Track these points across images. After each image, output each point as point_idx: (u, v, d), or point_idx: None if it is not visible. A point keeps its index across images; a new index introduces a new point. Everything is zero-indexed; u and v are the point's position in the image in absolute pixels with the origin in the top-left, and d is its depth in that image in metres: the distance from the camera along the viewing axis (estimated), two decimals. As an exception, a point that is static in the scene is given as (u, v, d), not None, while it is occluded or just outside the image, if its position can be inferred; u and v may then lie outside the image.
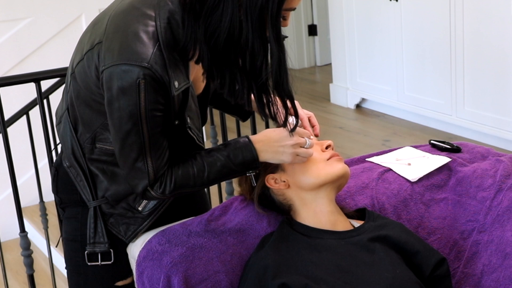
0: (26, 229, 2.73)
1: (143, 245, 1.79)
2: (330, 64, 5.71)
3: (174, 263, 1.72)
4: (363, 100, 5.37)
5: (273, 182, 1.81)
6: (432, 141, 2.18)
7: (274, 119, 1.73)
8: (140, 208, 1.83)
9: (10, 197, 3.40)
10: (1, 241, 3.60)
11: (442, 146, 2.13)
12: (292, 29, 6.58)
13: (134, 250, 1.81)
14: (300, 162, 1.75)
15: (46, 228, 3.35)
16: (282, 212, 1.83)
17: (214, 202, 3.33)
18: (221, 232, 1.81)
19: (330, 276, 1.64)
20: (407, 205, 1.96)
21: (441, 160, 2.05)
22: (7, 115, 2.82)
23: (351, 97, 5.39)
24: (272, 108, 1.71)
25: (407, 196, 1.97)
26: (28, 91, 3.30)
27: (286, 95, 1.71)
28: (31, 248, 2.75)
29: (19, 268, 3.80)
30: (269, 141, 1.74)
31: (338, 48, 5.41)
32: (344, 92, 5.45)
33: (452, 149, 2.12)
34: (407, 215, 1.95)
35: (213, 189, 3.36)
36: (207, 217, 1.85)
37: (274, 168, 1.81)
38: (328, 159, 1.78)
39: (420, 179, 2.01)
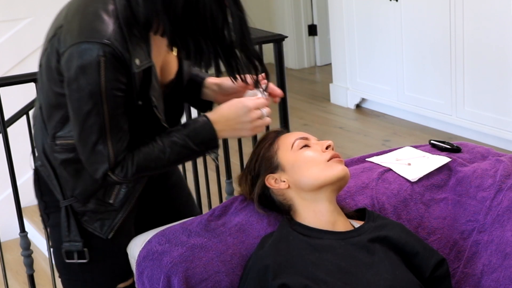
0: (26, 229, 2.73)
1: (143, 245, 1.79)
2: (330, 64, 5.70)
3: (174, 263, 1.72)
4: (363, 100, 5.37)
5: (273, 182, 1.81)
6: (432, 141, 2.18)
7: (245, 81, 1.76)
8: (111, 201, 1.81)
9: (10, 197, 3.39)
10: (1, 241, 3.59)
11: (442, 146, 2.13)
12: (292, 29, 6.58)
13: (134, 250, 1.81)
14: (259, 132, 1.77)
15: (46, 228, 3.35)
16: (282, 212, 1.83)
17: (214, 202, 3.34)
18: (221, 232, 1.81)
19: (330, 277, 1.64)
20: (407, 205, 1.96)
21: (441, 160, 2.05)
22: (7, 115, 2.81)
23: (351, 97, 5.39)
24: (242, 72, 1.72)
25: (407, 196, 1.97)
26: (28, 91, 3.30)
27: (253, 55, 1.71)
28: (31, 248, 2.75)
29: (19, 268, 3.79)
30: (226, 121, 1.75)
31: (338, 48, 5.41)
32: (344, 92, 5.45)
33: (452, 149, 2.12)
34: (407, 215, 1.95)
35: (213, 189, 3.36)
36: (207, 217, 1.85)
37: (274, 168, 1.81)
38: (328, 160, 1.78)
39: (420, 179, 2.01)
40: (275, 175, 1.81)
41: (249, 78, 1.80)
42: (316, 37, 6.69)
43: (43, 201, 1.89)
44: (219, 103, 1.88)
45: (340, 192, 1.91)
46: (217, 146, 1.76)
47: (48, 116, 1.75)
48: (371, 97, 5.22)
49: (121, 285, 1.92)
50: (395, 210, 1.95)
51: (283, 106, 2.88)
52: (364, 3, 5.04)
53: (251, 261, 1.72)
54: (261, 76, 1.83)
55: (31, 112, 3.25)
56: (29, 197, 4.40)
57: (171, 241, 1.77)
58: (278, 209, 1.83)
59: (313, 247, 1.71)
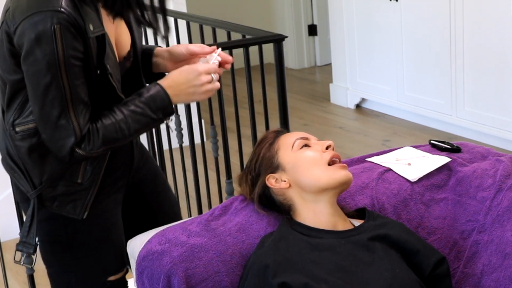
0: (26, 229, 2.73)
1: (143, 245, 1.79)
2: (330, 64, 5.71)
3: (174, 263, 1.72)
4: (363, 100, 5.37)
5: (273, 181, 1.81)
6: (432, 141, 2.18)
7: (151, 25, 1.78)
8: (79, 181, 1.79)
9: (10, 197, 3.39)
10: (1, 241, 3.59)
11: (442, 146, 2.13)
12: (292, 29, 6.58)
13: (134, 250, 1.82)
14: (210, 96, 1.81)
15: (46, 228, 3.34)
16: (282, 212, 1.83)
17: (214, 202, 3.34)
18: (221, 232, 1.81)
19: (330, 275, 1.64)
20: (407, 205, 1.96)
21: (441, 160, 2.05)
22: (7, 115, 2.81)
23: (351, 97, 5.39)
24: (147, 15, 1.76)
25: (407, 196, 1.97)
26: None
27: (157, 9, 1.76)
28: (31, 248, 2.75)
29: (19, 268, 3.79)
30: (178, 85, 1.77)
31: (338, 48, 5.41)
32: (344, 92, 5.45)
33: (452, 149, 2.12)
34: (407, 215, 1.95)
35: (213, 189, 3.36)
36: (207, 217, 1.86)
37: (274, 168, 1.81)
38: (329, 163, 1.78)
39: (420, 179, 2.01)
40: (276, 175, 1.81)
41: (200, 45, 1.86)
42: (316, 37, 6.69)
43: (18, 202, 1.91)
44: (169, 71, 1.90)
45: (340, 192, 1.91)
46: (172, 112, 1.77)
47: (7, 110, 1.73)
48: (371, 97, 5.23)
49: (112, 277, 1.91)
50: (395, 210, 1.95)
51: (283, 106, 2.88)
52: (364, 3, 5.04)
53: (251, 260, 1.72)
54: (212, 48, 1.87)
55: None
56: (29, 197, 4.40)
57: (171, 241, 1.77)
58: (278, 209, 1.83)
59: (313, 246, 1.71)
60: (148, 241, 1.79)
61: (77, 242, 1.86)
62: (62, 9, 1.58)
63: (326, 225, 1.76)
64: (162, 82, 1.78)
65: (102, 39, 1.68)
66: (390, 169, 2.04)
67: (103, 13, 1.72)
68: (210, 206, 3.24)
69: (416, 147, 2.18)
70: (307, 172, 1.77)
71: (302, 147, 1.81)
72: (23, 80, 1.66)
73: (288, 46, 6.44)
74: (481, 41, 4.23)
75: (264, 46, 2.70)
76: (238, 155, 3.06)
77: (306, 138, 1.84)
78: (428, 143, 2.20)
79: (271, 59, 2.90)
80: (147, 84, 1.84)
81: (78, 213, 1.82)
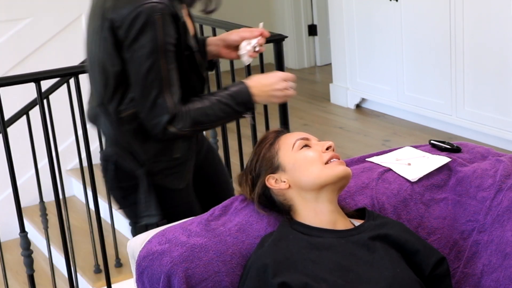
0: (26, 229, 2.74)
1: (143, 245, 1.79)
2: (330, 64, 5.70)
3: (174, 263, 1.72)
4: (363, 100, 5.37)
5: (273, 182, 1.81)
6: (432, 141, 2.18)
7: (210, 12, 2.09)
8: (178, 155, 2.05)
9: (10, 197, 3.39)
10: (1, 241, 3.59)
11: (442, 146, 2.13)
12: (292, 29, 6.58)
13: (134, 249, 1.82)
14: (286, 101, 2.10)
15: (46, 228, 3.35)
16: (282, 212, 1.83)
17: (214, 202, 3.33)
18: (221, 232, 1.81)
19: (330, 275, 1.64)
20: (407, 205, 1.96)
21: (441, 160, 2.05)
22: (7, 115, 2.81)
23: (351, 97, 5.39)
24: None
25: (407, 196, 1.97)
26: (28, 91, 3.30)
27: None
28: (31, 248, 2.75)
29: (19, 268, 3.79)
30: (262, 86, 2.00)
31: (338, 48, 5.41)
32: (344, 92, 5.45)
33: (452, 149, 2.12)
34: (407, 215, 1.95)
35: (213, 189, 3.36)
36: (207, 217, 1.86)
37: (274, 168, 1.81)
38: (327, 162, 1.78)
39: (420, 179, 2.01)
40: (276, 175, 1.81)
41: (249, 30, 2.15)
42: (316, 37, 6.69)
43: (120, 187, 2.10)
44: (222, 56, 2.22)
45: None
46: (253, 108, 2.00)
47: (109, 101, 1.98)
48: (371, 97, 5.22)
49: None
50: (395, 210, 1.95)
51: (283, 106, 2.88)
52: (364, 3, 5.04)
53: (251, 260, 1.72)
54: (259, 30, 2.14)
55: (31, 112, 3.27)
56: (29, 197, 4.43)
57: (171, 241, 1.77)
58: (278, 209, 1.83)
59: (313, 246, 1.71)
60: (148, 241, 1.79)
61: (175, 211, 2.07)
62: (161, 0, 1.86)
63: (326, 224, 1.76)
64: (247, 81, 2.01)
65: (183, 24, 1.96)
66: (390, 169, 2.04)
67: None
68: (210, 206, 3.23)
69: (416, 147, 2.18)
70: (306, 172, 1.77)
71: (302, 148, 1.81)
72: (124, 72, 1.92)
73: (288, 46, 6.43)
74: (481, 41, 4.23)
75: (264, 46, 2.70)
76: (238, 155, 3.06)
77: (307, 139, 1.84)
78: (428, 143, 2.20)
79: (271, 59, 2.90)
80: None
81: (178, 184, 2.07)
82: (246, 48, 2.15)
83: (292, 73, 2.06)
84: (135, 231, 2.10)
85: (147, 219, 2.06)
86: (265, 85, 2.01)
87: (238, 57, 2.19)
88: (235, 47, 2.18)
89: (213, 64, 2.29)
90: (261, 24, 2.15)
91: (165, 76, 1.88)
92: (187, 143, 2.06)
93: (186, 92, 1.98)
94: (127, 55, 1.89)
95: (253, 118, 2.09)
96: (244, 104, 1.99)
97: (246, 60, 2.17)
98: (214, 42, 2.21)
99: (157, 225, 1.99)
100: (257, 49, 2.15)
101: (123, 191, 2.10)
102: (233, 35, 2.17)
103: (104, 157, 2.10)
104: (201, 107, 1.95)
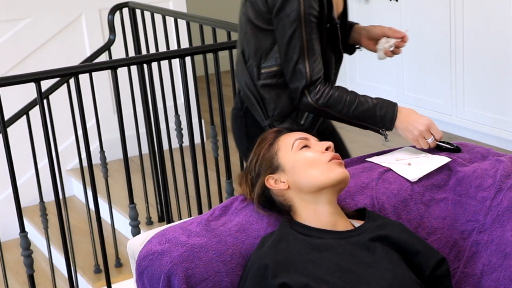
0: (26, 229, 2.73)
1: (143, 245, 1.79)
2: (330, 64, 5.70)
3: (174, 263, 1.72)
4: (363, 100, 5.37)
5: (272, 182, 1.81)
6: (432, 141, 2.18)
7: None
8: (302, 122, 2.21)
9: (10, 197, 3.39)
10: (1, 241, 3.60)
11: (442, 146, 2.13)
12: (292, 29, 6.56)
13: (134, 249, 1.82)
14: (417, 145, 2.11)
15: (46, 228, 3.35)
16: (282, 212, 1.83)
17: (214, 202, 3.34)
18: (221, 232, 1.81)
19: (330, 276, 1.64)
20: (407, 205, 1.96)
21: (441, 160, 2.05)
22: (7, 115, 2.81)
23: (351, 97, 5.39)
24: None
25: (407, 196, 1.97)
26: (28, 91, 3.30)
27: None
28: (31, 248, 2.75)
29: (19, 268, 3.79)
30: (408, 116, 2.11)
31: (338, 48, 5.41)
32: (344, 92, 5.44)
33: (452, 149, 2.12)
34: (407, 215, 1.95)
35: (213, 189, 3.36)
36: (207, 217, 1.85)
37: (274, 169, 1.81)
38: (328, 162, 1.78)
39: (420, 179, 2.01)
40: (275, 176, 1.81)
41: (392, 30, 2.29)
42: (316, 37, 6.68)
43: (247, 134, 2.31)
44: (362, 45, 2.39)
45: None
46: (389, 128, 2.13)
47: (252, 56, 2.18)
48: (371, 97, 5.22)
49: None
50: (395, 210, 1.95)
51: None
52: (364, 3, 5.04)
53: (251, 260, 1.72)
54: (402, 33, 2.27)
55: (31, 112, 3.28)
56: (29, 197, 4.44)
57: (171, 241, 1.77)
58: (278, 210, 1.83)
59: (313, 246, 1.71)
60: (148, 241, 1.79)
61: None
62: None
63: (326, 224, 1.76)
64: (400, 106, 2.12)
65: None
66: (390, 169, 2.04)
67: None
68: (210, 206, 3.24)
69: (416, 147, 2.18)
70: (305, 173, 1.77)
71: (301, 148, 1.81)
72: (270, 33, 2.12)
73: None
74: (481, 41, 4.23)
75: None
76: (238, 155, 3.06)
77: (306, 139, 1.84)
78: (428, 143, 2.20)
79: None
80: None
81: None
82: (384, 45, 2.28)
83: (440, 133, 2.10)
84: None
85: None
86: (412, 120, 2.10)
87: (376, 50, 2.32)
88: (376, 40, 2.32)
89: (354, 49, 2.45)
90: (406, 29, 2.22)
91: (305, 44, 2.06)
92: (313, 116, 2.22)
93: (324, 61, 2.15)
94: (275, 22, 2.08)
95: (386, 137, 2.17)
96: (384, 118, 2.11)
97: (380, 56, 2.30)
98: (358, 30, 2.37)
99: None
100: (392, 48, 2.27)
101: (249, 140, 2.23)
102: (376, 29, 2.32)
103: (235, 106, 2.32)
104: (344, 97, 2.10)
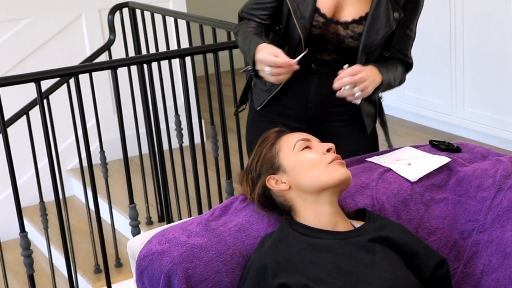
0: (26, 229, 2.73)
1: (143, 245, 1.79)
2: (330, 64, 5.69)
3: (174, 263, 1.72)
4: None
5: (273, 183, 1.81)
6: (432, 141, 2.18)
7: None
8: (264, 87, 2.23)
9: (10, 197, 3.39)
10: (1, 241, 3.59)
11: (442, 146, 2.13)
12: (292, 29, 6.56)
13: (134, 249, 1.82)
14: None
15: (46, 228, 3.35)
16: (283, 212, 1.82)
17: (214, 202, 3.34)
18: (221, 232, 1.81)
19: (329, 277, 1.63)
20: (407, 205, 1.96)
21: (441, 160, 2.05)
22: (7, 115, 2.81)
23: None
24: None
25: (407, 196, 1.97)
26: (28, 91, 3.30)
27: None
28: (31, 248, 2.75)
29: (19, 268, 3.80)
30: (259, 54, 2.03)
31: (338, 48, 5.40)
32: (344, 92, 5.44)
33: (452, 149, 2.12)
34: (407, 215, 1.95)
35: (213, 189, 3.36)
36: (207, 217, 1.85)
37: (275, 169, 1.81)
38: (329, 163, 1.78)
39: (420, 179, 2.01)
40: (276, 176, 1.81)
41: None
42: (316, 37, 6.68)
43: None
44: None
45: (340, 192, 1.90)
46: (251, 63, 2.06)
47: None
48: (371, 97, 5.22)
49: None
50: (395, 210, 1.95)
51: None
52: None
53: (251, 260, 1.72)
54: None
55: (31, 112, 3.28)
56: (29, 197, 4.44)
57: (171, 241, 1.77)
58: (279, 210, 1.83)
59: (313, 247, 1.71)
60: (148, 241, 1.79)
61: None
62: None
63: (326, 225, 1.76)
64: (263, 45, 2.04)
65: None
66: (390, 169, 2.04)
67: None
68: (210, 206, 3.24)
69: (416, 147, 2.18)
70: (307, 174, 1.77)
71: (303, 149, 1.81)
72: None
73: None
74: (481, 41, 4.23)
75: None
76: (238, 155, 3.06)
77: (308, 140, 1.83)
78: (428, 143, 2.20)
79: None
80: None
81: (256, 103, 2.35)
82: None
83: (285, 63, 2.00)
84: None
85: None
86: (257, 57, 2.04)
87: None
88: None
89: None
90: (345, 66, 2.03)
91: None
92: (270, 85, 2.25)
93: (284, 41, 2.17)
94: None
95: (248, 71, 2.15)
96: (249, 53, 2.08)
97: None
98: None
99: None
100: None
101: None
102: None
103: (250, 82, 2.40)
104: (245, 29, 2.16)
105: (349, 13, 2.14)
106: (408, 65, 2.28)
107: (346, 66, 2.01)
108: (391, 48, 2.22)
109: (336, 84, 1.98)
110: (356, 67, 2.01)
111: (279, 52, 2.00)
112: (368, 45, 2.13)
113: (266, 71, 2.00)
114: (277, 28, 2.22)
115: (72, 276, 2.79)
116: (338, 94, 2.00)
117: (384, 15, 2.14)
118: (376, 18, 2.13)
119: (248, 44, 2.09)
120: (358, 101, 2.03)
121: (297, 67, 1.99)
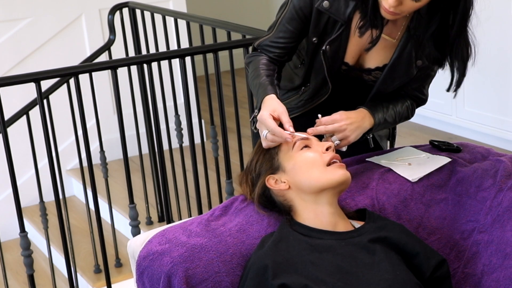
0: (26, 229, 2.73)
1: (143, 245, 1.79)
2: (330, 64, 5.69)
3: (175, 263, 1.72)
4: (363, 100, 5.37)
5: (273, 182, 1.81)
6: (432, 141, 2.18)
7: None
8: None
9: (10, 197, 3.40)
10: (1, 241, 3.59)
11: (442, 146, 2.13)
12: (292, 29, 6.57)
13: (135, 249, 1.81)
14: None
15: (46, 228, 3.35)
16: (283, 212, 1.82)
17: (214, 202, 3.34)
18: (221, 232, 1.81)
19: (329, 277, 1.63)
20: (407, 205, 1.96)
21: (441, 160, 2.05)
22: (7, 115, 2.81)
23: (351, 97, 5.39)
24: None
25: (407, 196, 1.97)
26: (28, 91, 3.30)
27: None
28: (31, 248, 2.75)
29: (19, 268, 3.80)
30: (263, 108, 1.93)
31: (338, 48, 5.40)
32: (344, 92, 5.44)
33: (452, 149, 2.12)
34: (407, 215, 1.95)
35: (213, 189, 3.36)
36: (207, 217, 1.85)
37: (275, 169, 1.81)
38: (328, 164, 1.78)
39: (420, 179, 2.01)
40: (276, 176, 1.81)
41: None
42: (316, 37, 6.68)
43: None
44: None
45: (340, 192, 1.90)
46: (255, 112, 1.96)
47: None
48: (371, 97, 5.22)
49: None
50: (395, 210, 1.95)
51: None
52: (364, 3, 5.03)
53: (251, 260, 1.72)
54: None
55: (31, 112, 3.28)
56: (29, 197, 4.44)
57: (171, 241, 1.77)
58: (279, 210, 1.83)
59: (313, 247, 1.70)
60: (149, 241, 1.79)
61: None
62: None
63: (326, 225, 1.76)
64: (273, 95, 1.93)
65: (333, 23, 2.01)
66: (390, 169, 2.04)
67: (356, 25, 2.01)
68: (210, 206, 3.24)
69: (416, 147, 2.18)
70: (306, 173, 1.77)
71: (302, 148, 1.81)
72: None
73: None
74: (481, 41, 4.22)
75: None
76: (238, 155, 3.06)
77: (307, 139, 1.83)
78: (428, 143, 2.20)
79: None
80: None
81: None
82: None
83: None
84: None
85: None
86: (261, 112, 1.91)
87: None
88: None
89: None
90: (319, 115, 1.98)
91: (276, 21, 2.07)
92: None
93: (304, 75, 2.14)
94: None
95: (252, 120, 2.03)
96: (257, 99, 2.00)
97: None
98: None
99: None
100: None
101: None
102: None
103: None
104: (257, 65, 2.06)
105: (373, 61, 2.08)
106: (421, 101, 2.24)
107: (320, 115, 1.95)
108: (407, 86, 2.15)
109: (309, 130, 1.90)
110: (334, 115, 1.94)
111: (282, 113, 1.88)
112: (381, 91, 2.10)
113: (263, 134, 1.87)
114: (300, 64, 2.17)
115: (72, 276, 2.79)
116: None
117: (405, 64, 2.06)
118: (396, 66, 2.06)
119: (256, 87, 2.00)
120: (343, 149, 1.97)
121: (290, 142, 1.84)
